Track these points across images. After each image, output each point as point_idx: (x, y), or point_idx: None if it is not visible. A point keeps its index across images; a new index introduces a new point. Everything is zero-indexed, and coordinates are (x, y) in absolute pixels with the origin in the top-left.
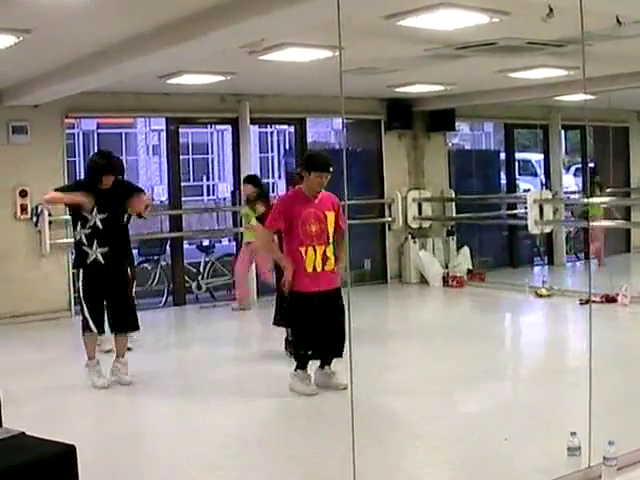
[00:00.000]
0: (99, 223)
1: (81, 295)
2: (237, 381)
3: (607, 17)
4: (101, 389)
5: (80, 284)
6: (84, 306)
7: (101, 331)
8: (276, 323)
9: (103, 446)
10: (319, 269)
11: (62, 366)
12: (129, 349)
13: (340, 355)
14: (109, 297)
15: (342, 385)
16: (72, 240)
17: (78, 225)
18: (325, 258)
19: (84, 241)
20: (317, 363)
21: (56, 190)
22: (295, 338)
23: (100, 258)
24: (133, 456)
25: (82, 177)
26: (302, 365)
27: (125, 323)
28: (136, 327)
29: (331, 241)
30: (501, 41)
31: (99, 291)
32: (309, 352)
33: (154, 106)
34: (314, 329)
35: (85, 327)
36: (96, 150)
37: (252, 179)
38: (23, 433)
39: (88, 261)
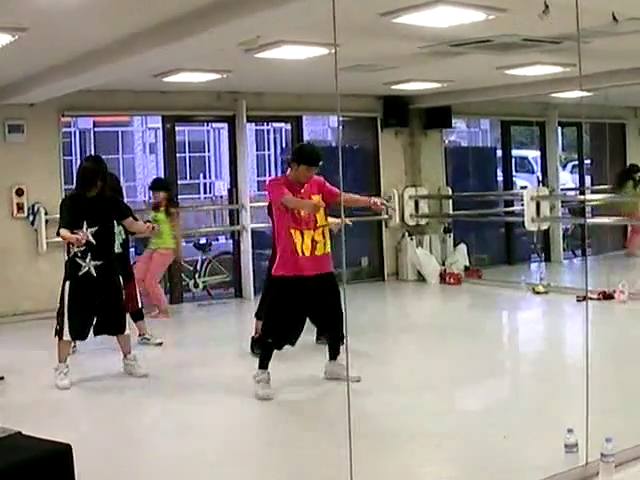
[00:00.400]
0: (91, 238)
1: (65, 305)
2: (235, 378)
3: (603, 14)
4: (64, 389)
5: (66, 295)
6: (65, 315)
7: (81, 338)
8: (257, 315)
9: (100, 444)
10: (307, 253)
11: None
12: (159, 344)
13: (339, 338)
14: (99, 306)
15: (354, 377)
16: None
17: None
18: (314, 243)
19: (78, 254)
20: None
21: (62, 225)
22: (267, 324)
23: (92, 271)
24: (130, 454)
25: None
26: (263, 362)
27: (110, 326)
28: (121, 330)
29: (321, 224)
30: (497, 38)
31: (87, 302)
32: (276, 340)
33: (150, 104)
34: (290, 315)
35: (59, 333)
36: (92, 149)
37: (163, 185)
38: (20, 432)
39: (80, 273)
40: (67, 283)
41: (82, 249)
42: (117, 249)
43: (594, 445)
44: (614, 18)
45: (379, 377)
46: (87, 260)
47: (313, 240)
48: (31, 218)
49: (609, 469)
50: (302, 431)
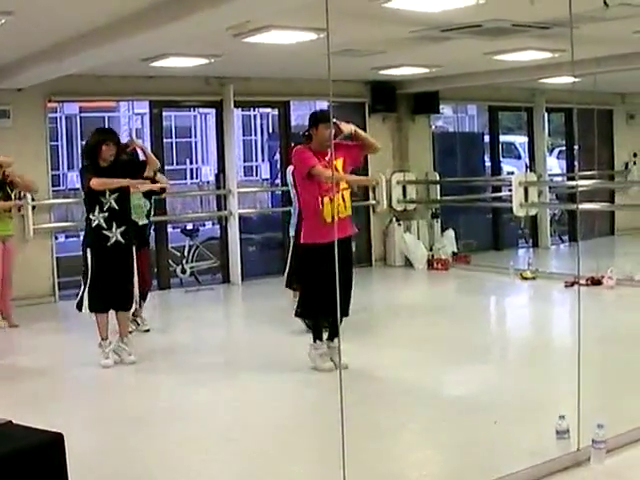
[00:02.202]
0: (114, 204)
1: (89, 277)
2: (225, 362)
3: None
4: (105, 368)
5: (90, 267)
6: (87, 287)
7: (102, 311)
8: (289, 285)
9: (94, 430)
10: (336, 217)
11: (47, 350)
12: (147, 331)
13: (347, 314)
14: (118, 279)
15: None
16: (56, 225)
17: (96, 209)
18: (339, 206)
19: (103, 225)
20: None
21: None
22: (305, 297)
23: (121, 238)
24: (124, 440)
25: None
26: (315, 333)
27: (119, 301)
28: (128, 306)
29: (343, 187)
30: (487, 23)
31: (112, 275)
32: (315, 311)
33: (137, 89)
34: (326, 287)
35: (78, 305)
36: (79, 134)
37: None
38: (10, 422)
39: (108, 244)
40: (92, 255)
41: (105, 216)
42: (143, 220)
43: (585, 431)
44: (605, 3)
45: (366, 363)
46: (113, 229)
47: (339, 204)
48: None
49: (600, 455)
50: (291, 417)
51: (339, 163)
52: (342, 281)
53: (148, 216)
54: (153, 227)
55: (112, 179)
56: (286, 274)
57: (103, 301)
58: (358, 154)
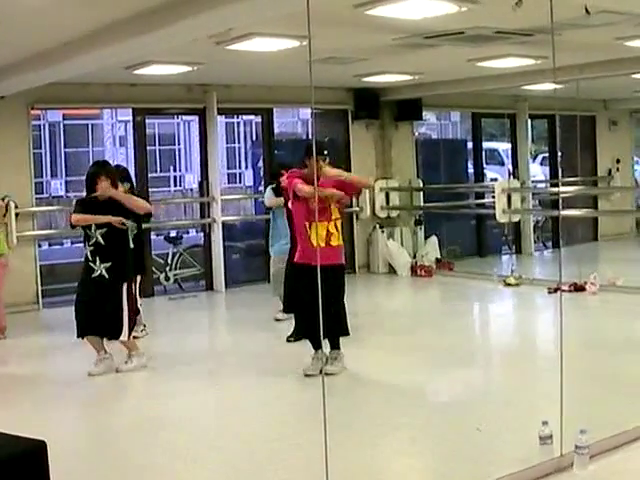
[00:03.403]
0: (100, 239)
1: (74, 301)
2: (209, 370)
3: (575, 6)
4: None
5: (76, 292)
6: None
7: (81, 336)
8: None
9: (78, 438)
10: (322, 244)
11: (31, 358)
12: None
13: (337, 334)
14: (102, 309)
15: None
16: (39, 233)
17: (86, 241)
18: (329, 234)
19: (89, 257)
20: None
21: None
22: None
23: (105, 273)
24: (108, 448)
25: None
26: (312, 345)
27: (106, 330)
28: (115, 336)
29: (335, 217)
30: (470, 30)
31: (92, 303)
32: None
33: (121, 97)
34: (301, 301)
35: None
36: (62, 142)
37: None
38: None
39: (93, 276)
40: (78, 283)
41: (92, 249)
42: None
43: (568, 437)
44: (586, 11)
45: (351, 370)
46: (97, 263)
47: (328, 231)
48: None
49: (583, 461)
50: (276, 424)
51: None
52: (326, 305)
53: (135, 240)
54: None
55: (89, 216)
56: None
57: (82, 327)
58: (350, 191)
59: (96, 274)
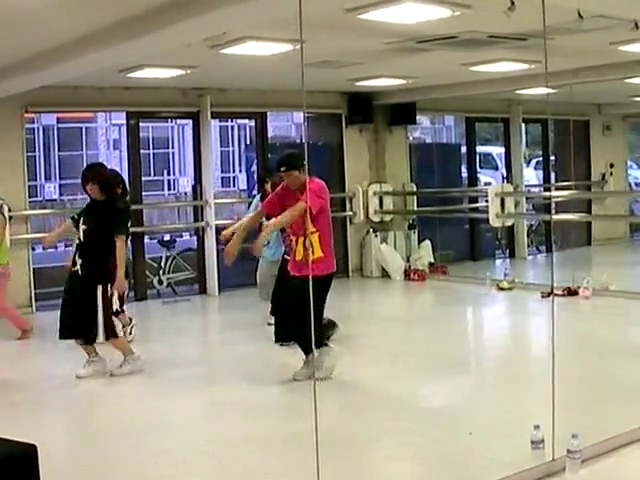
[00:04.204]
0: (81, 235)
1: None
2: (201, 374)
3: (568, 11)
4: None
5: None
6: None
7: (63, 337)
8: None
9: (68, 442)
10: (299, 257)
11: (23, 361)
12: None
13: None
14: (74, 308)
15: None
16: (33, 236)
17: None
18: (305, 249)
19: (74, 251)
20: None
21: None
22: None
23: (79, 269)
24: (98, 452)
25: None
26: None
27: (80, 332)
28: (90, 339)
29: (309, 232)
30: (463, 35)
31: (69, 301)
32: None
33: (114, 100)
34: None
35: None
36: (56, 145)
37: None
38: None
39: (74, 268)
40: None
41: (77, 244)
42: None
43: (560, 441)
44: (579, 15)
45: (342, 375)
46: (76, 258)
47: (304, 247)
48: None
49: (575, 465)
50: (266, 428)
51: (300, 205)
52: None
53: None
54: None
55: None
56: None
57: (62, 329)
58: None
59: (76, 268)
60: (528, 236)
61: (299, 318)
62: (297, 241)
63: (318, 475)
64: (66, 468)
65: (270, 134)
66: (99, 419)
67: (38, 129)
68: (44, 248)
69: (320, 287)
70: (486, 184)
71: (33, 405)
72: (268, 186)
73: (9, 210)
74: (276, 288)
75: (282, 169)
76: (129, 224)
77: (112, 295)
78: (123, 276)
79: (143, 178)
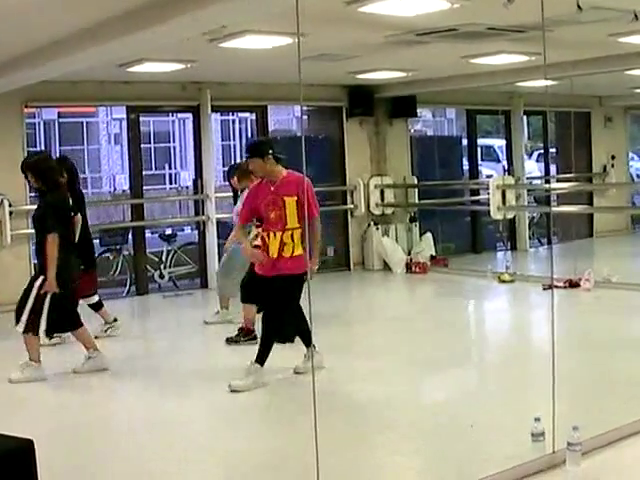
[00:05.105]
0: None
1: None
2: (201, 370)
3: (567, 3)
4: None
5: None
6: None
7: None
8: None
9: (64, 438)
10: (275, 255)
11: (20, 356)
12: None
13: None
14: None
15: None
16: (32, 231)
17: None
18: (282, 244)
19: None
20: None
21: None
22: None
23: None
24: (95, 448)
25: None
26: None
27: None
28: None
29: (291, 227)
30: (462, 27)
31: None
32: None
33: (115, 94)
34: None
35: None
36: (57, 139)
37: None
38: None
39: None
40: None
41: None
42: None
43: (561, 434)
44: (578, 7)
45: (344, 368)
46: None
47: (282, 241)
48: None
49: (576, 457)
50: (268, 422)
51: (291, 201)
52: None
53: (81, 235)
54: (130, 232)
55: None
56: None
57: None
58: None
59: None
60: (529, 228)
61: (295, 316)
62: (274, 236)
63: (318, 470)
64: (63, 464)
65: (271, 127)
66: (95, 416)
67: (39, 124)
68: None
69: (301, 283)
70: (488, 176)
71: (27, 401)
72: (234, 180)
73: (10, 205)
74: (250, 283)
75: (247, 155)
76: (72, 217)
77: (45, 294)
78: (53, 277)
79: (144, 172)
